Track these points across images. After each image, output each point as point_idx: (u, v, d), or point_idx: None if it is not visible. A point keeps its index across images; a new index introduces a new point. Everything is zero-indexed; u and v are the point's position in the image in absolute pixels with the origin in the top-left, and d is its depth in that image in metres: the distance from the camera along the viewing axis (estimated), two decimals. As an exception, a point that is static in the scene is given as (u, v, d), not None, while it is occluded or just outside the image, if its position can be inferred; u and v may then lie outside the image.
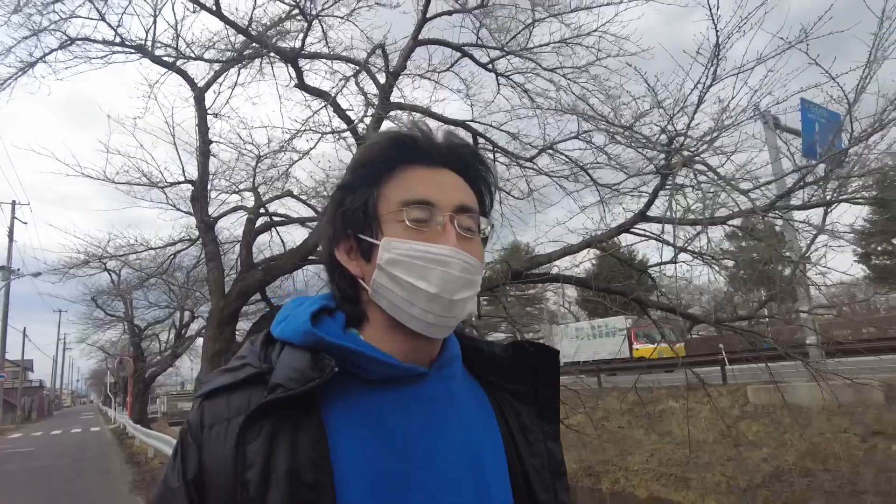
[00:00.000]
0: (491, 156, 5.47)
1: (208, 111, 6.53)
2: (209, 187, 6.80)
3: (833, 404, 7.37)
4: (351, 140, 5.84)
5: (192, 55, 6.05)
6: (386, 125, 5.45)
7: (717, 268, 4.25)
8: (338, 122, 5.79)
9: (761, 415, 10.03)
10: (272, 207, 7.22)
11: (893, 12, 3.22)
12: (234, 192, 7.32)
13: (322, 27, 5.93)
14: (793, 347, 5.17)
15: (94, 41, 5.50)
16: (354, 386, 0.68)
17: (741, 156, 4.34)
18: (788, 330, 12.61)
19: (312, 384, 0.63)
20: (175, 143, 6.69)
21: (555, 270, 5.06)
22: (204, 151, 6.51)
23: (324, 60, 6.13)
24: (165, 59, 5.91)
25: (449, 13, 5.73)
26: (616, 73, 5.41)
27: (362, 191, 0.71)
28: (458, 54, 5.98)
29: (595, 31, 5.37)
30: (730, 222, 4.19)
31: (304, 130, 5.84)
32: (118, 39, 5.48)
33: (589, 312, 26.42)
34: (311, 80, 5.92)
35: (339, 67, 6.17)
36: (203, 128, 6.46)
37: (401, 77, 5.77)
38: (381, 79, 5.70)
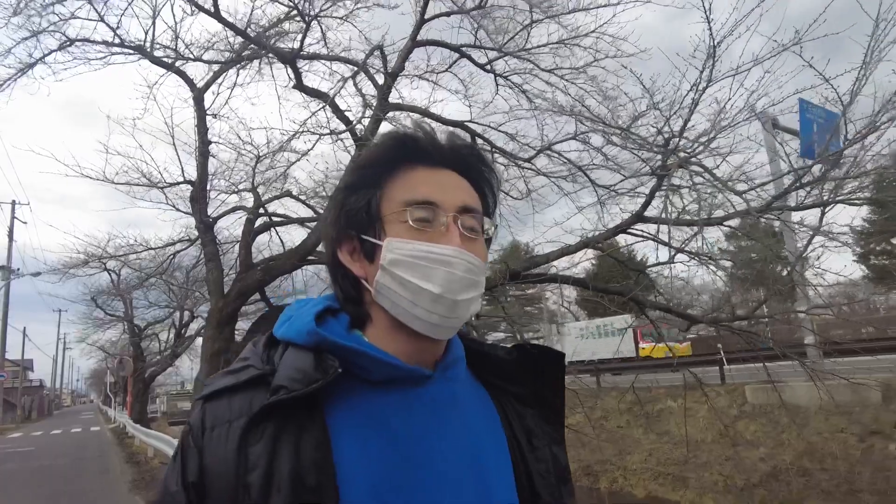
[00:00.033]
0: (489, 156, 5.47)
1: (207, 112, 6.55)
2: (208, 187, 6.82)
3: (830, 404, 7.37)
4: (349, 141, 5.85)
5: (191, 56, 6.09)
6: (384, 126, 5.47)
7: (713, 268, 4.27)
8: (336, 123, 5.80)
9: (759, 414, 10.03)
10: (271, 208, 7.25)
11: (888, 14, 3.24)
12: (234, 193, 7.36)
13: (320, 28, 5.97)
14: (790, 347, 5.17)
15: (94, 42, 5.53)
16: (357, 387, 0.67)
17: (738, 157, 4.36)
18: (786, 330, 12.61)
19: (316, 385, 0.62)
20: (174, 144, 6.74)
21: (553, 270, 5.08)
22: (203, 152, 6.52)
23: (322, 61, 6.17)
24: (164, 59, 5.94)
25: (447, 14, 5.74)
26: (613, 73, 5.43)
27: (365, 191, 0.71)
28: (457, 55, 5.98)
29: (592, 32, 5.38)
30: (726, 223, 4.20)
31: (303, 131, 5.84)
32: (117, 40, 5.51)
33: (589, 312, 26.40)
34: (309, 80, 5.95)
35: (337, 68, 6.21)
36: (202, 128, 6.47)
37: (399, 78, 5.77)
38: (380, 80, 5.71)
